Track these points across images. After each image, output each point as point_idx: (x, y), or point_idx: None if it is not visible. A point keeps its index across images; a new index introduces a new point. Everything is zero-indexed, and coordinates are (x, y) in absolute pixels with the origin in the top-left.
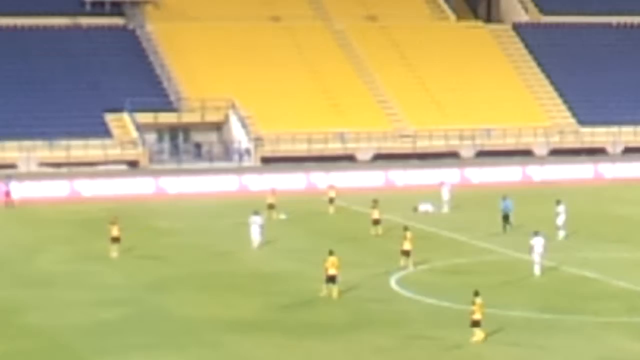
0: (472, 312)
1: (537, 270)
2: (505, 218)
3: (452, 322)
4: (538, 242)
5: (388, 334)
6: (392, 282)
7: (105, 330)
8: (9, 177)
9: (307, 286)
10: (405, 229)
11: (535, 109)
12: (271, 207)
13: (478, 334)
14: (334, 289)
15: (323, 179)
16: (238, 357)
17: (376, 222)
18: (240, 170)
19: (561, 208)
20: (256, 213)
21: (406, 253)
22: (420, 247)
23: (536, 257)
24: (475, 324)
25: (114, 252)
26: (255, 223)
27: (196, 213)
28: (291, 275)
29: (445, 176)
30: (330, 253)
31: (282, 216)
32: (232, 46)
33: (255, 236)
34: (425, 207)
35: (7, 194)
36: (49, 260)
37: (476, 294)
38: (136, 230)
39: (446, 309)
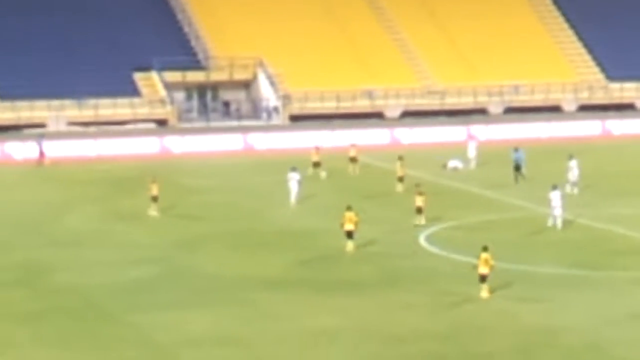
0: (477, 267)
1: (557, 223)
2: (517, 169)
3: None
4: (556, 196)
5: (417, 290)
6: (421, 239)
7: (135, 289)
8: (41, 137)
9: (336, 243)
10: (417, 185)
11: (563, 64)
12: (316, 165)
13: (485, 289)
14: (350, 244)
15: (351, 137)
16: (268, 314)
17: (401, 179)
18: (268, 128)
19: (573, 163)
20: (294, 169)
21: (419, 210)
22: (449, 204)
23: (555, 210)
24: (483, 279)
25: (153, 211)
26: (294, 179)
27: (225, 171)
28: (320, 232)
29: (472, 132)
30: (348, 208)
31: (323, 174)
32: (260, 4)
33: (294, 192)
34: (454, 163)
35: (42, 153)
36: (78, 220)
37: (485, 249)
38: (165, 188)
39: (475, 265)
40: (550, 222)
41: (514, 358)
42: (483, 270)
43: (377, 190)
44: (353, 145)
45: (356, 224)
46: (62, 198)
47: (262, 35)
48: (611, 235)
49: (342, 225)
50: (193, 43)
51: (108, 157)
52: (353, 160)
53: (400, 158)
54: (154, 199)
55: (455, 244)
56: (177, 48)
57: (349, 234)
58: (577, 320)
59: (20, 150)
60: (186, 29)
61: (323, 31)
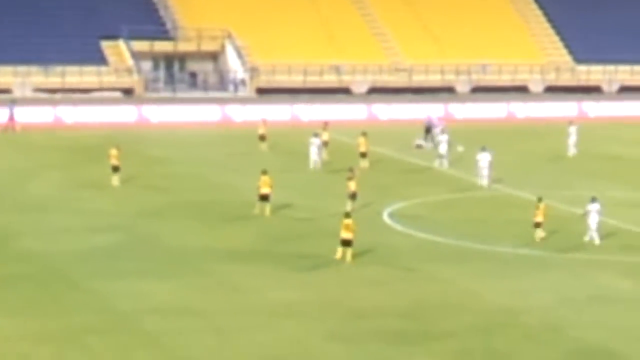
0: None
1: (483, 182)
2: (428, 131)
3: (443, 256)
4: (484, 158)
5: (380, 267)
6: (385, 216)
7: (97, 256)
8: (12, 102)
9: (301, 216)
10: (350, 169)
11: (531, 45)
12: (262, 138)
13: (341, 252)
14: (267, 207)
15: (317, 111)
16: (231, 286)
17: (364, 154)
18: (235, 100)
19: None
20: (315, 135)
21: (353, 195)
22: (414, 182)
23: (481, 170)
24: (346, 243)
25: (115, 181)
26: (314, 144)
27: (191, 142)
28: (285, 206)
29: (439, 111)
30: (264, 172)
31: (264, 146)
32: None
33: (314, 156)
34: (419, 141)
35: (11, 118)
36: (42, 186)
37: (347, 215)
38: (130, 158)
39: (438, 243)
40: (481, 182)
41: (474, 337)
42: (346, 235)
43: (342, 165)
44: (263, 122)
45: (271, 187)
46: (26, 164)
47: (230, 7)
48: (575, 217)
49: (258, 188)
50: (161, 13)
51: (73, 125)
52: (262, 138)
53: (364, 134)
54: (115, 168)
55: (418, 222)
56: (145, 17)
57: (264, 197)
58: (537, 301)
59: None
60: None
61: (292, 5)
